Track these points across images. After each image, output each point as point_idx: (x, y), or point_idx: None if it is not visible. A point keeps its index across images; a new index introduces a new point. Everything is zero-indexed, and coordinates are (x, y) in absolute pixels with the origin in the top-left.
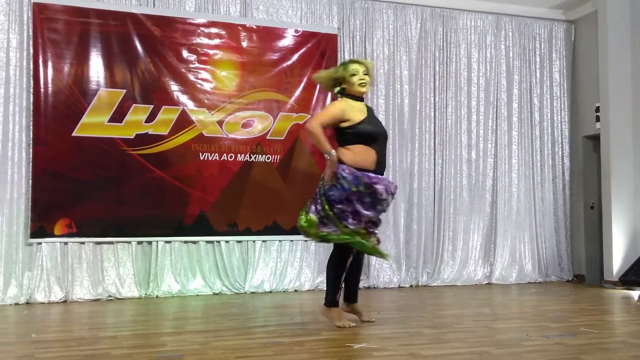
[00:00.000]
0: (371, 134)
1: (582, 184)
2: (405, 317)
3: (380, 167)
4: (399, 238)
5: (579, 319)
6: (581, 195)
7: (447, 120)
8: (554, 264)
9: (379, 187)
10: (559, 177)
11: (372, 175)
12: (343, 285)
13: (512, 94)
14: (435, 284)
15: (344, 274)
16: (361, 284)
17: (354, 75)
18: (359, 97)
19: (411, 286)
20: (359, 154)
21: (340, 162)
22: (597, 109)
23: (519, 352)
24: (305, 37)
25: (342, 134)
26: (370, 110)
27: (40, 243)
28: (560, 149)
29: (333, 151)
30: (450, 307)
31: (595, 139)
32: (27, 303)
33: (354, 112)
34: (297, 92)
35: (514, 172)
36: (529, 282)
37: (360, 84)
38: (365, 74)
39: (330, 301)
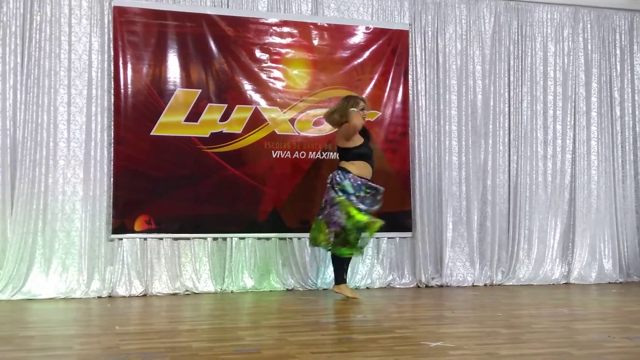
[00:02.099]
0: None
1: None
2: (481, 316)
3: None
4: (472, 236)
5: None
6: None
7: (522, 115)
8: (636, 264)
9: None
10: None
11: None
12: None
13: (591, 88)
14: (510, 283)
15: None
16: (434, 282)
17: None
18: None
19: (485, 285)
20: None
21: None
22: None
23: (601, 353)
24: (376, 34)
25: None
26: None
27: (121, 239)
28: None
29: None
30: (527, 306)
31: None
32: (110, 296)
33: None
34: (368, 89)
35: (593, 168)
36: (609, 282)
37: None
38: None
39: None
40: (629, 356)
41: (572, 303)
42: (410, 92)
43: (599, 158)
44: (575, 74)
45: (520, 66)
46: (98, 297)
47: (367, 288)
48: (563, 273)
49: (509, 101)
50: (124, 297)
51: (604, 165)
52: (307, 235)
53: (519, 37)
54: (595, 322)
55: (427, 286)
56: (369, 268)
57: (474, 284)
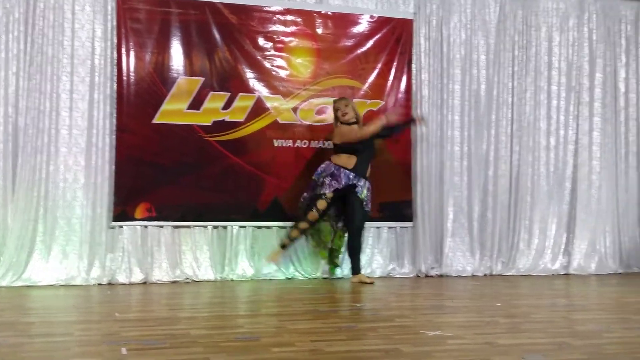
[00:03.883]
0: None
1: None
2: (480, 306)
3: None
4: (473, 226)
5: None
6: None
7: (526, 106)
8: (636, 255)
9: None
10: None
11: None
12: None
13: (595, 79)
14: (510, 274)
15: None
16: (433, 272)
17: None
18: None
19: (485, 275)
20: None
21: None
22: None
23: (600, 344)
24: (380, 23)
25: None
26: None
27: (122, 226)
28: None
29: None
30: (526, 297)
31: None
32: (110, 284)
33: None
34: (371, 79)
35: (595, 159)
36: (609, 274)
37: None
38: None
39: None
40: (627, 347)
41: (571, 294)
42: (413, 81)
43: (602, 149)
44: (579, 65)
45: (524, 56)
46: (98, 284)
47: (367, 277)
48: (563, 264)
49: (513, 91)
50: (124, 284)
51: (606, 157)
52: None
53: (524, 26)
54: (595, 312)
55: (426, 276)
56: (369, 257)
57: (474, 274)
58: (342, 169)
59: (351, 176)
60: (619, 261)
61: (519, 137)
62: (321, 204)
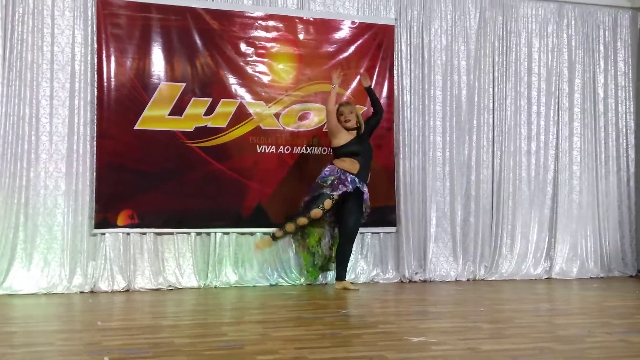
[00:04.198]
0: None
1: None
2: (463, 311)
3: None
4: (456, 231)
5: None
6: None
7: (506, 111)
8: (617, 259)
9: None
10: (623, 169)
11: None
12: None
13: (574, 84)
14: (493, 278)
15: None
16: (417, 277)
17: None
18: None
19: (468, 280)
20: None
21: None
22: None
23: (582, 348)
24: (362, 29)
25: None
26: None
27: (104, 233)
28: (625, 141)
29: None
30: (509, 301)
31: None
32: (92, 292)
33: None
34: (354, 84)
35: (575, 164)
36: (591, 277)
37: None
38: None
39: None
40: (609, 351)
41: (554, 298)
42: (395, 87)
43: (582, 154)
44: (559, 70)
45: (504, 62)
46: (80, 292)
47: (351, 283)
48: (545, 268)
49: (494, 97)
50: (106, 292)
51: (586, 161)
52: None
53: (504, 32)
54: (577, 317)
55: (410, 281)
56: (353, 263)
57: (457, 279)
58: (347, 174)
59: (357, 180)
60: (601, 265)
61: (500, 143)
62: (328, 204)
